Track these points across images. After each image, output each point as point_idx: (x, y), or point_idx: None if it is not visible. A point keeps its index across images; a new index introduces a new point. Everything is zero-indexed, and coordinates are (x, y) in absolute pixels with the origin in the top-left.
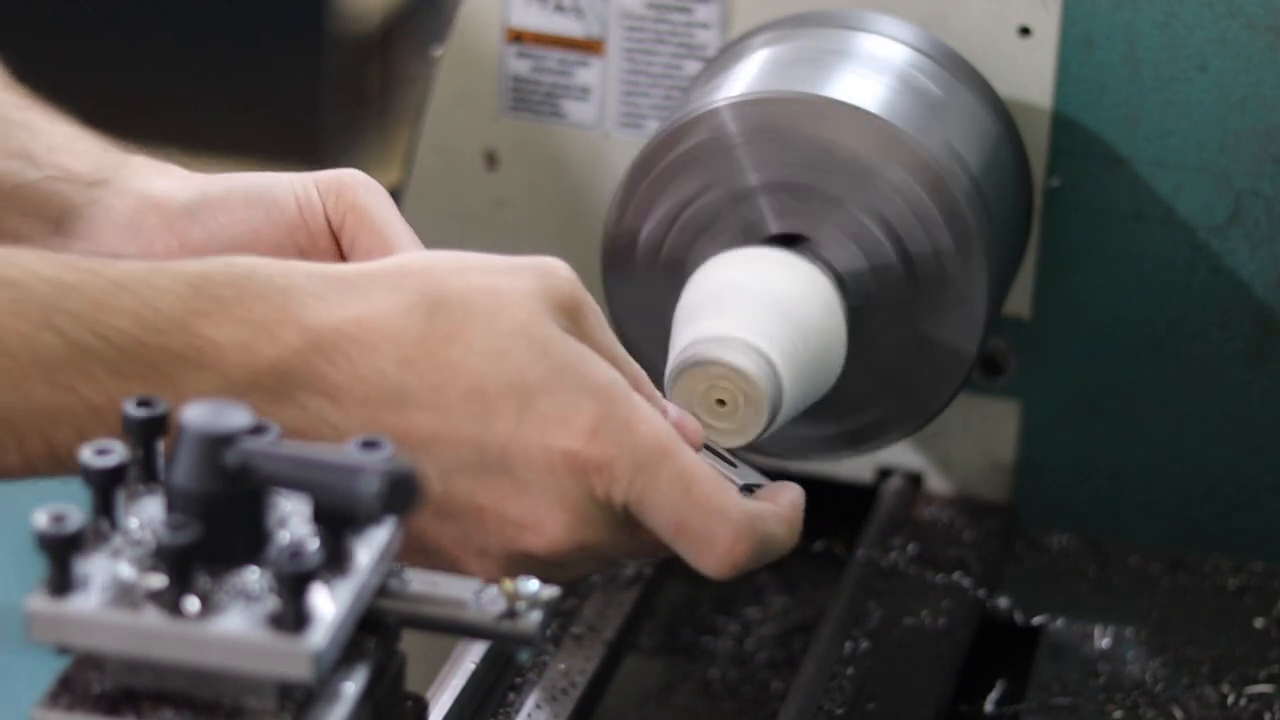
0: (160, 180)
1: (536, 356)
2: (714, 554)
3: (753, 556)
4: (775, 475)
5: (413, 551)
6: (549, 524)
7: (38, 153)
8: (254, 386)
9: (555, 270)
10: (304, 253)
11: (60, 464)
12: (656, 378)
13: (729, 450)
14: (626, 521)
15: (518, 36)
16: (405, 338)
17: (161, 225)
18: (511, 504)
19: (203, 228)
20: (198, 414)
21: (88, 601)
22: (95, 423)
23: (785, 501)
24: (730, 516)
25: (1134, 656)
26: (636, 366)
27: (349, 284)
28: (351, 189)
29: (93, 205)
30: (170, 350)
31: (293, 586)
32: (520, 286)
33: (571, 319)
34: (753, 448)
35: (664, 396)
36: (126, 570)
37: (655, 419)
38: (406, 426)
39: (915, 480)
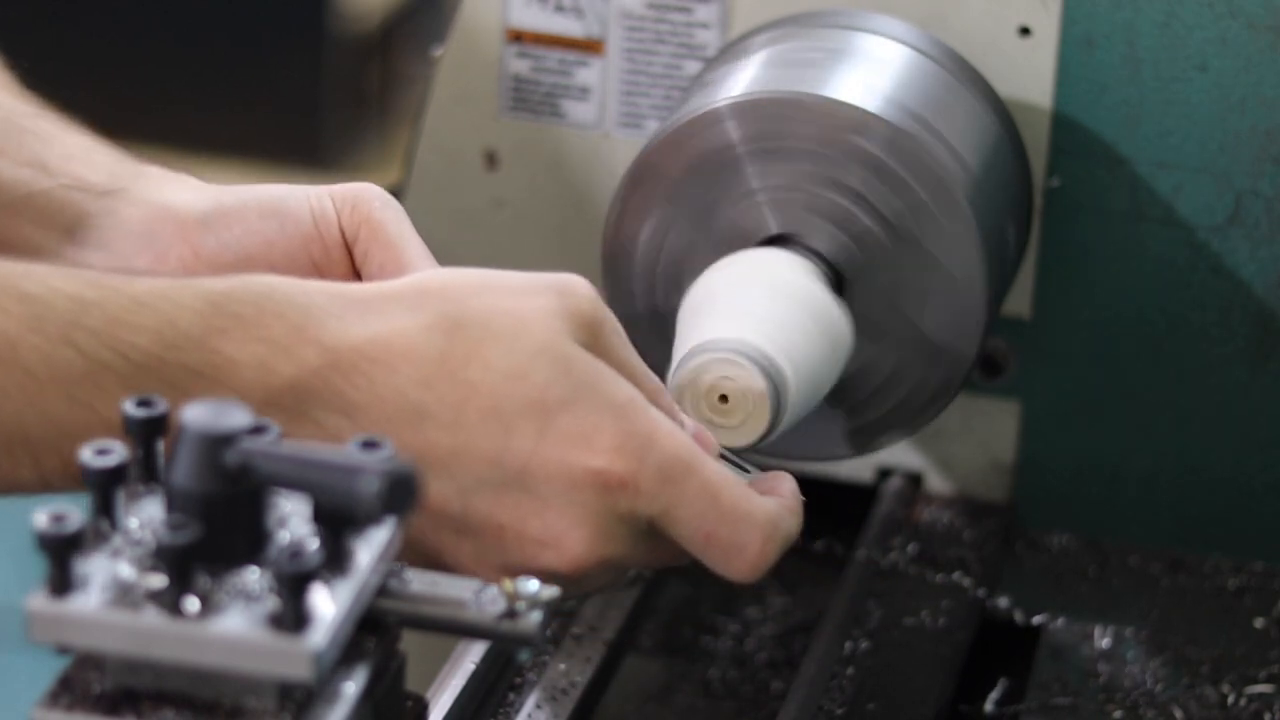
0: (175, 190)
1: (557, 375)
2: (745, 560)
3: (778, 556)
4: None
5: (431, 568)
6: (570, 541)
7: (51, 161)
8: (271, 405)
9: (575, 289)
10: (317, 265)
11: (75, 480)
12: (660, 377)
13: (734, 452)
14: (649, 534)
15: (518, 36)
16: (424, 358)
17: (176, 235)
18: (532, 522)
19: (217, 238)
20: (198, 414)
21: (88, 601)
22: (111, 438)
23: (789, 492)
24: (757, 522)
25: (1134, 656)
26: (656, 381)
27: (367, 304)
28: (367, 203)
29: (107, 215)
30: (188, 367)
31: (293, 586)
32: (540, 305)
33: (592, 336)
34: (758, 448)
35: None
36: (126, 570)
37: (676, 433)
38: (425, 445)
39: (915, 480)
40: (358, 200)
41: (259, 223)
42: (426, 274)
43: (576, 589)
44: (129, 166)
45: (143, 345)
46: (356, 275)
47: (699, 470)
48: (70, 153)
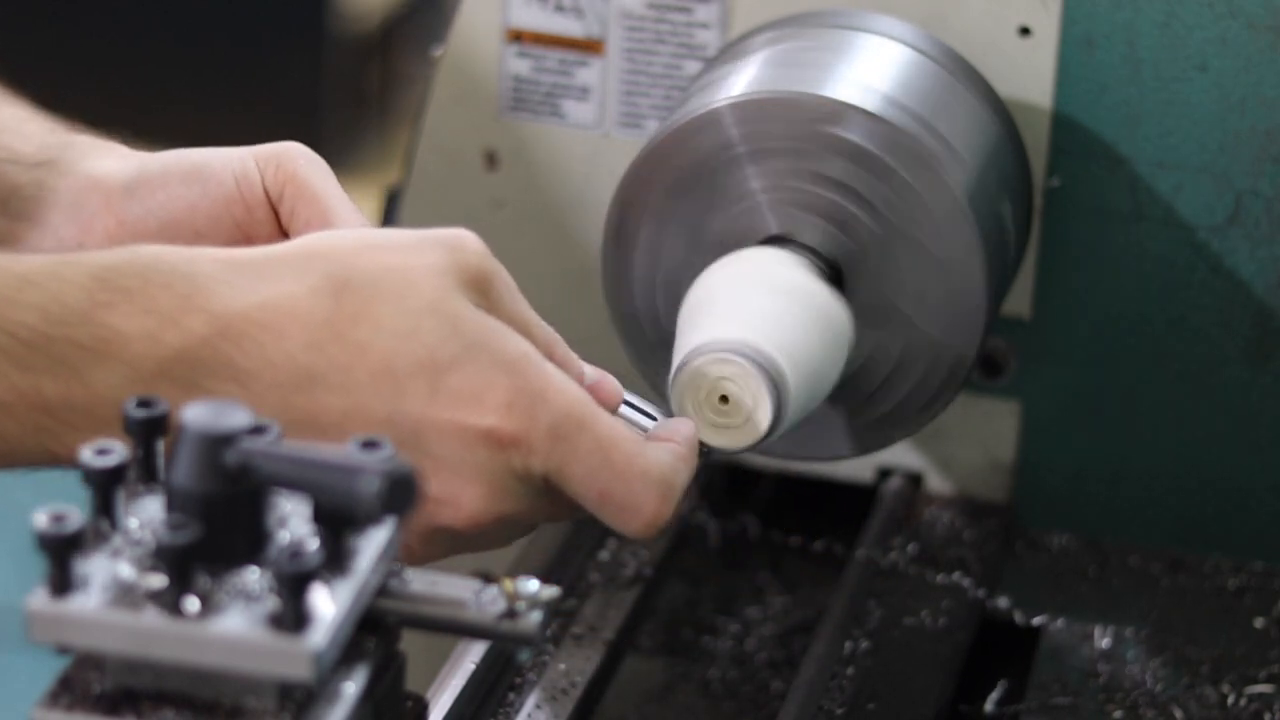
0: (103, 160)
1: (446, 334)
2: (640, 519)
3: (673, 511)
4: (776, 475)
5: None
6: (466, 499)
7: None
8: (162, 375)
9: (464, 243)
10: (240, 226)
11: None
12: (660, 378)
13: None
14: (546, 490)
15: (518, 36)
16: (312, 320)
17: (101, 204)
18: (427, 481)
19: (141, 205)
20: (198, 414)
21: (88, 601)
22: (4, 417)
23: (684, 437)
24: (652, 480)
25: (1134, 656)
26: (550, 332)
27: (255, 269)
28: (291, 160)
29: (36, 187)
30: (76, 343)
31: (293, 586)
32: (429, 262)
33: (481, 292)
34: (759, 448)
35: (668, 397)
36: (126, 570)
37: (570, 388)
38: (317, 409)
39: (915, 480)
40: (281, 159)
41: (181, 188)
42: (314, 235)
43: (479, 545)
44: (59, 136)
45: (30, 323)
46: (284, 235)
47: (592, 427)
48: (4, 125)
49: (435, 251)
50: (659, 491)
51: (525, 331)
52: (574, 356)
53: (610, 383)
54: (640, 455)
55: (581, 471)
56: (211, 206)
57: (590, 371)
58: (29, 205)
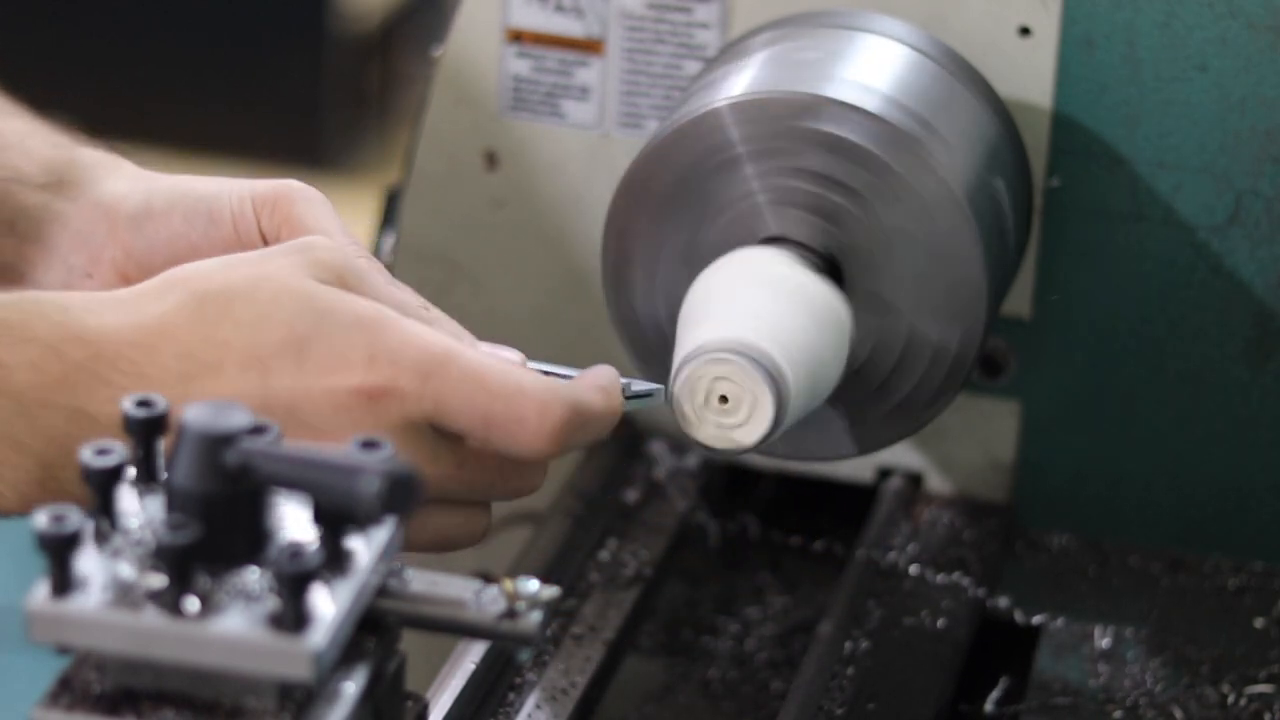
0: (109, 183)
1: (300, 309)
2: (527, 431)
3: (570, 423)
4: (776, 475)
5: None
6: None
7: None
8: (46, 404)
9: (314, 244)
10: None
11: None
12: (660, 378)
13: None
14: (436, 442)
15: (518, 36)
16: (179, 332)
17: (109, 236)
18: None
19: (145, 240)
20: (198, 414)
21: (88, 601)
22: None
23: (595, 372)
24: (530, 391)
25: (1134, 656)
26: (435, 314)
27: (121, 301)
28: (287, 202)
29: (44, 209)
30: None
31: (293, 586)
32: (279, 262)
33: (337, 277)
34: (761, 448)
35: (667, 396)
36: (126, 570)
37: (428, 333)
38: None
39: (915, 480)
40: (278, 200)
41: (184, 226)
42: (174, 268)
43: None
44: (64, 152)
45: None
46: None
47: (457, 357)
48: (7, 142)
49: (286, 253)
50: (540, 401)
51: (398, 308)
52: (467, 334)
53: (509, 352)
54: (514, 374)
55: (458, 402)
56: (212, 248)
57: (487, 346)
58: (37, 228)
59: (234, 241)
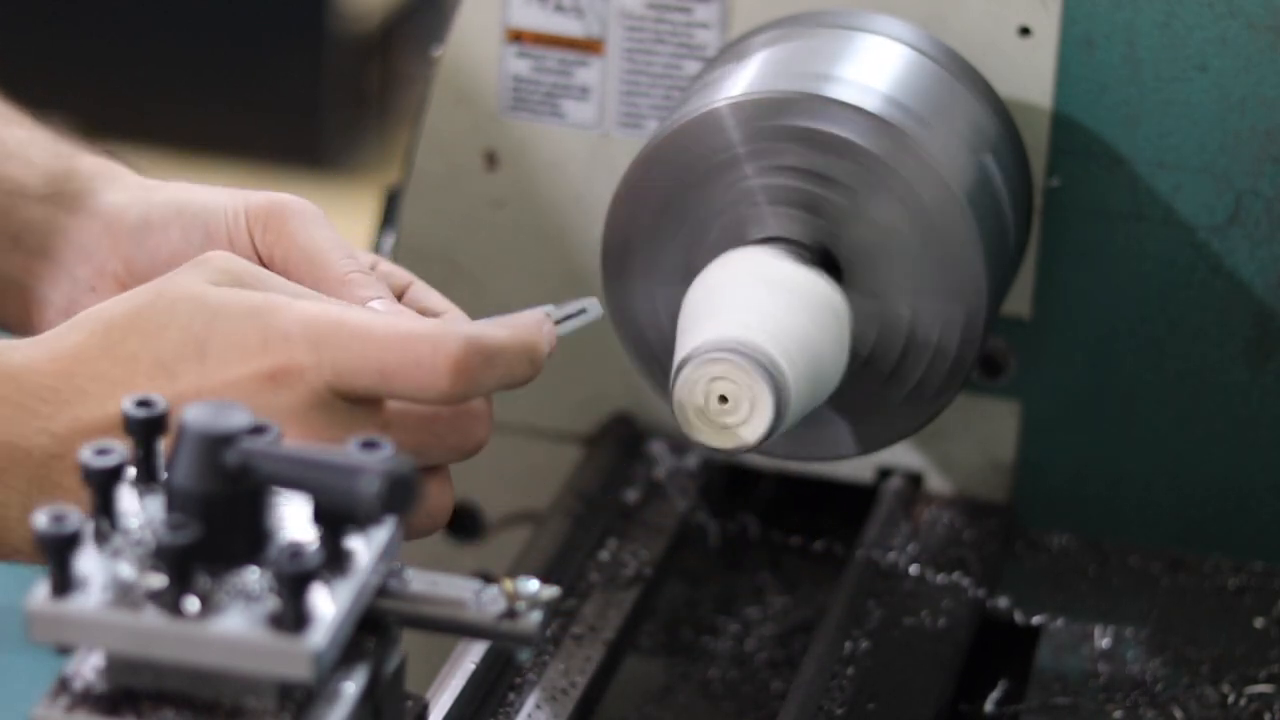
0: (109, 195)
1: (195, 310)
2: (425, 371)
3: (470, 358)
4: (776, 475)
5: None
6: None
7: None
8: None
9: (211, 257)
10: None
11: None
12: (660, 378)
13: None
14: (351, 411)
15: (518, 36)
16: (90, 355)
17: (111, 250)
18: None
19: (147, 255)
20: (198, 414)
21: (88, 601)
22: None
23: (518, 317)
24: (421, 334)
25: (1134, 656)
26: (338, 272)
27: (40, 339)
28: (280, 220)
29: (47, 222)
30: None
31: (293, 586)
32: (176, 277)
33: (234, 279)
34: (761, 447)
35: (667, 395)
36: (126, 570)
37: (319, 306)
38: (110, 419)
39: (915, 480)
40: (270, 217)
41: (182, 243)
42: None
43: None
44: (64, 162)
45: None
46: None
47: (347, 321)
48: (8, 150)
49: (183, 270)
50: (432, 339)
51: (293, 294)
52: (366, 292)
53: (533, 312)
54: (407, 322)
55: (355, 361)
56: None
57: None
58: (42, 242)
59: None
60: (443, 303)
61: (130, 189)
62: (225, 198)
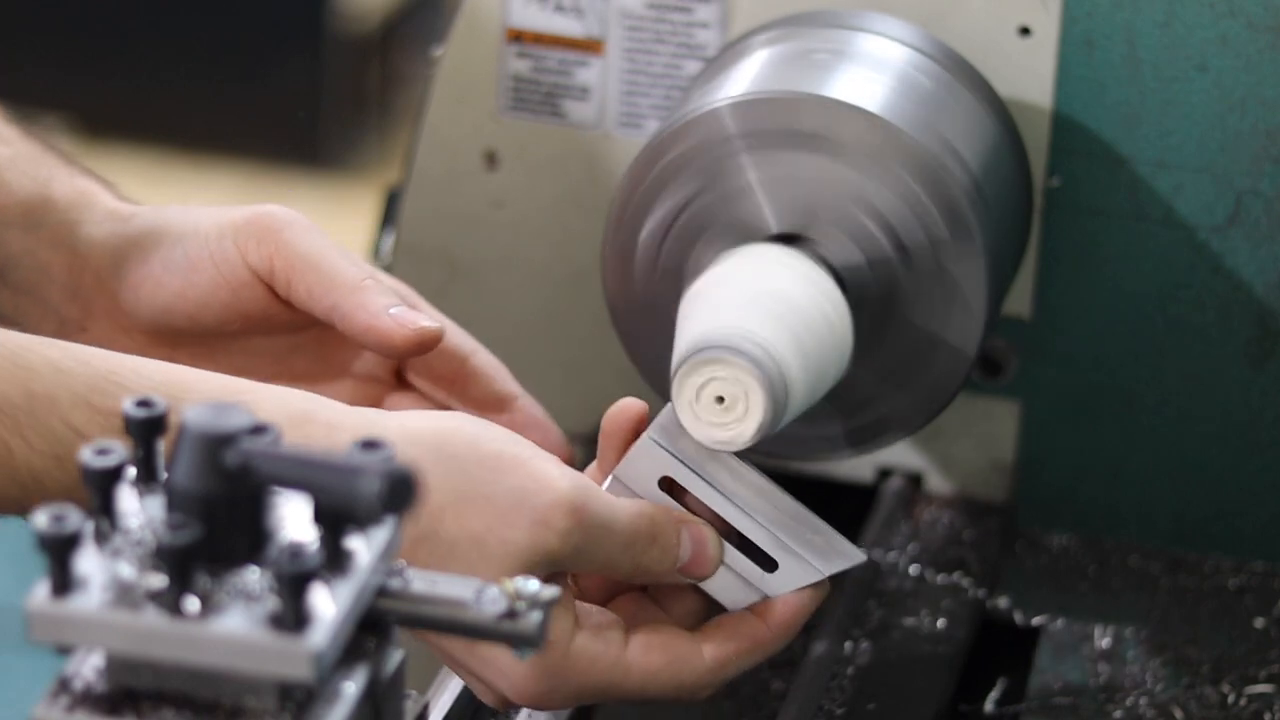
0: (85, 229)
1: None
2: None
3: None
4: (776, 476)
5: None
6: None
7: None
8: None
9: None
10: (229, 306)
11: None
12: (660, 378)
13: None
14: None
15: (518, 36)
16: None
17: (95, 288)
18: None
19: (131, 291)
20: (198, 414)
21: (88, 601)
22: None
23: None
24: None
25: (1134, 656)
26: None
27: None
28: (272, 231)
29: (28, 256)
30: None
31: (293, 586)
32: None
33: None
34: (755, 447)
35: (668, 395)
36: (126, 570)
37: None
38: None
39: (915, 480)
40: (263, 231)
41: (164, 274)
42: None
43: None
44: (40, 189)
45: None
46: (281, 303)
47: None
48: None
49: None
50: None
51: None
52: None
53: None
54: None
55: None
56: (198, 295)
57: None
58: (27, 277)
59: (220, 283)
60: (436, 315)
61: (107, 220)
62: (204, 219)
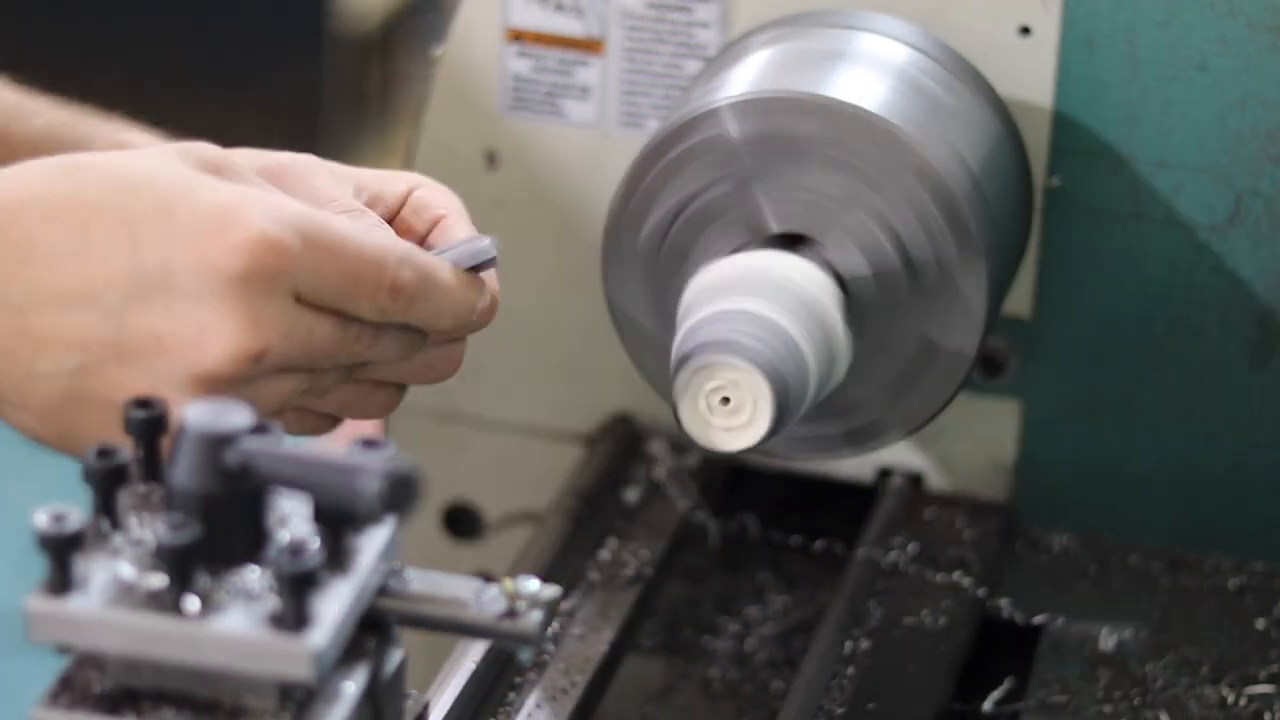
0: (124, 135)
1: (172, 180)
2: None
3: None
4: (776, 476)
5: (104, 417)
6: (224, 335)
7: None
8: None
9: (191, 147)
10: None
11: None
12: (661, 378)
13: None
14: (301, 313)
15: (518, 36)
16: (47, 197)
17: None
18: (184, 322)
19: None
20: (198, 414)
21: (88, 601)
22: None
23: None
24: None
25: (1134, 656)
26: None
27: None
28: (279, 179)
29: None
30: None
31: (293, 586)
32: (154, 151)
33: (214, 170)
34: (760, 448)
35: (667, 395)
36: (127, 570)
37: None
38: (61, 279)
39: (915, 480)
40: (276, 180)
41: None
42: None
43: (255, 396)
44: (63, 114)
45: None
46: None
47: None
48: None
49: (162, 151)
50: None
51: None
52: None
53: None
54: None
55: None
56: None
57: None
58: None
59: None
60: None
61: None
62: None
